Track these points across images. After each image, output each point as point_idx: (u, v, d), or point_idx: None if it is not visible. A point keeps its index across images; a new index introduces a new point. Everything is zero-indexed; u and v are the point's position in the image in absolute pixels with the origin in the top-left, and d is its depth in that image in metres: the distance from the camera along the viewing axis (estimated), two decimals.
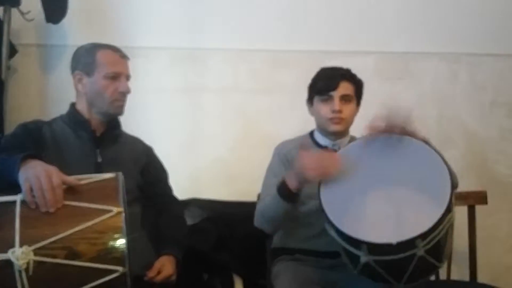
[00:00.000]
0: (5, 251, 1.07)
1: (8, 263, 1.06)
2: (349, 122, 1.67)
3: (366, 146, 1.44)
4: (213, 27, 2.35)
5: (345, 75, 1.66)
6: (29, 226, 1.11)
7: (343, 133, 1.69)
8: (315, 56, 2.30)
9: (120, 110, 1.62)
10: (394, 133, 1.40)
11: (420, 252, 1.25)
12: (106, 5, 2.31)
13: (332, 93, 1.63)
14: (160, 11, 2.33)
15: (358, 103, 1.70)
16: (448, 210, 1.26)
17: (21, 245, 1.08)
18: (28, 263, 1.06)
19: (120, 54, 1.61)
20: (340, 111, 1.62)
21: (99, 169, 1.51)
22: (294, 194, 1.47)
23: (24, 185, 1.15)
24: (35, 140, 1.51)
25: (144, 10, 2.32)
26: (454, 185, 1.34)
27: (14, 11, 2.09)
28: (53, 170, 1.19)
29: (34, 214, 1.13)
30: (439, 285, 1.83)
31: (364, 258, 1.30)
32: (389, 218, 1.31)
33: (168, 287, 1.54)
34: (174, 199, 1.81)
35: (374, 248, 1.27)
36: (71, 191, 1.18)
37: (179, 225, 1.76)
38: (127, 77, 1.62)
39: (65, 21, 2.17)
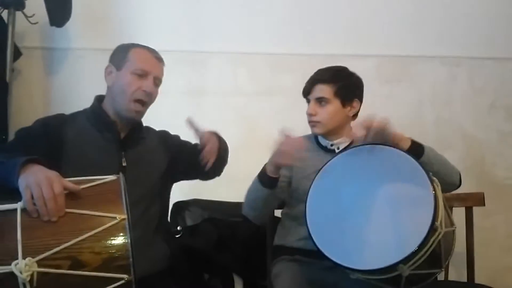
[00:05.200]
0: (8, 263, 1.04)
1: (12, 276, 1.03)
2: (328, 124, 1.65)
3: (349, 159, 1.45)
4: (214, 30, 2.37)
5: (320, 78, 1.66)
6: (32, 237, 1.08)
7: (334, 134, 1.69)
8: (315, 59, 2.29)
9: (136, 115, 1.54)
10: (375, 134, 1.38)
11: (406, 273, 1.25)
12: (109, 9, 2.33)
13: (309, 96, 1.69)
14: (162, 15, 2.35)
15: (344, 102, 1.66)
16: (433, 229, 1.24)
17: (24, 257, 1.05)
18: (32, 275, 1.04)
19: (154, 55, 1.56)
20: (312, 115, 1.65)
21: (124, 173, 1.41)
22: (270, 179, 1.52)
23: (25, 194, 1.11)
24: (53, 140, 1.45)
25: (146, 14, 2.35)
26: (447, 188, 1.37)
27: (18, 14, 2.11)
28: (54, 176, 1.15)
29: (36, 223, 1.10)
30: (436, 286, 1.84)
31: (353, 275, 1.33)
32: (372, 241, 1.32)
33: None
34: None
35: (358, 270, 1.29)
36: (72, 197, 1.15)
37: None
38: (156, 80, 1.56)
39: (69, 24, 2.19)
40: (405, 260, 1.22)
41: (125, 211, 1.15)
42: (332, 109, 1.65)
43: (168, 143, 1.69)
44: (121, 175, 1.24)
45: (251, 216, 1.64)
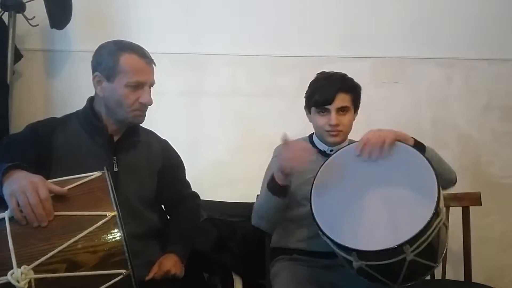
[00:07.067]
0: (4, 274, 1.02)
1: (9, 286, 1.02)
2: (347, 132, 1.67)
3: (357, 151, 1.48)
4: (213, 33, 2.38)
5: (341, 87, 1.62)
6: (24, 244, 1.06)
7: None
8: (313, 61, 2.34)
9: (139, 120, 1.50)
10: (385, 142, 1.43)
11: (410, 256, 1.27)
12: (109, 11, 2.34)
13: (329, 106, 1.62)
14: (161, 17, 2.37)
15: (356, 110, 1.69)
16: (436, 214, 1.26)
17: (19, 266, 1.03)
18: (29, 282, 1.02)
19: (145, 60, 1.45)
20: (337, 125, 1.62)
21: (115, 178, 1.41)
22: (281, 188, 1.49)
23: (10, 202, 1.09)
24: (43, 146, 1.41)
25: (145, 16, 2.36)
26: (444, 186, 1.37)
27: (19, 16, 2.12)
28: (38, 181, 1.12)
29: (26, 230, 1.08)
30: (434, 285, 1.85)
31: (356, 263, 1.32)
32: (377, 224, 1.35)
33: (173, 287, 1.50)
34: (191, 193, 1.76)
35: (363, 254, 1.30)
36: (60, 199, 1.13)
37: (190, 217, 1.70)
38: (151, 85, 1.48)
39: (69, 26, 2.20)
40: (411, 241, 1.24)
41: (115, 207, 1.14)
42: (351, 117, 1.66)
43: (167, 152, 1.66)
44: (105, 170, 1.21)
45: (264, 227, 1.62)
